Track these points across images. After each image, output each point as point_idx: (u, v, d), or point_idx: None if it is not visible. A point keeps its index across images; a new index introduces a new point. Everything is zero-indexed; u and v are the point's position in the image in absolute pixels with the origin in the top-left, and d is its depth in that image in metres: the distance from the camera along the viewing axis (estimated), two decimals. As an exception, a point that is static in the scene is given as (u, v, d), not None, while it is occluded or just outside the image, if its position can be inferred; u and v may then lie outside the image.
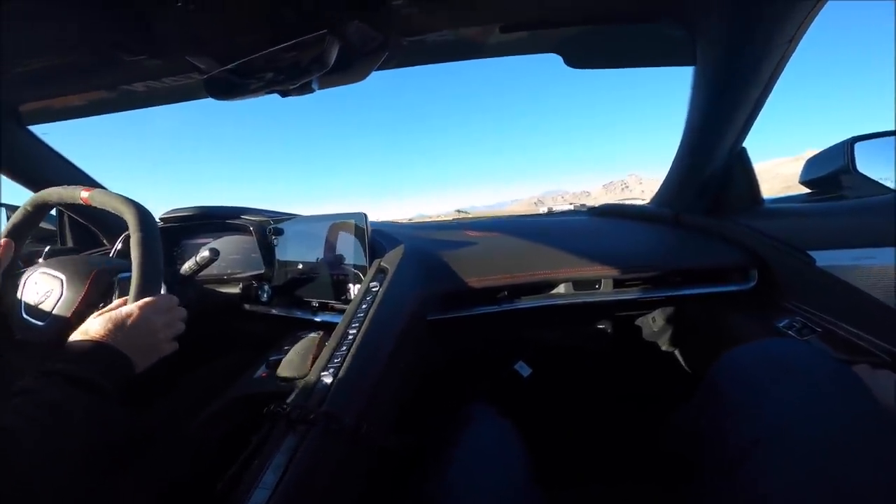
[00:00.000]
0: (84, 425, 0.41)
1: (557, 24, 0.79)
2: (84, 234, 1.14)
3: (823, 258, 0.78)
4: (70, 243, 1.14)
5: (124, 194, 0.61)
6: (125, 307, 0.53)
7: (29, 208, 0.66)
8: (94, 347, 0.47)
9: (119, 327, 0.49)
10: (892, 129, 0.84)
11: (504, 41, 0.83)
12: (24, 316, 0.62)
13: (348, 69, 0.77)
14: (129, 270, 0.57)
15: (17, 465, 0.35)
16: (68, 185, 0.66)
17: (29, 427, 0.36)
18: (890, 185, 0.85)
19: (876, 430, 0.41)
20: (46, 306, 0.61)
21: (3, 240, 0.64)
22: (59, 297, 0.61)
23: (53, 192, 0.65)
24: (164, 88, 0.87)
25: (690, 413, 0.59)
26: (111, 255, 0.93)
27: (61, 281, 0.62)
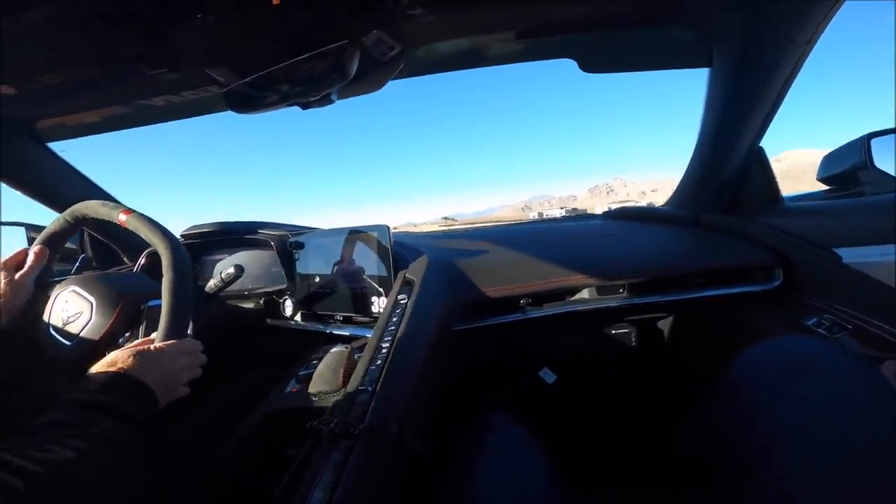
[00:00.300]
0: (126, 454, 0.41)
1: (573, 30, 0.79)
2: (105, 251, 1.15)
3: (848, 255, 0.77)
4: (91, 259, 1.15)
5: (159, 222, 0.61)
6: (154, 344, 0.54)
7: (68, 219, 0.67)
8: (125, 380, 0.48)
9: (148, 363, 0.51)
10: None
11: (520, 47, 0.83)
12: (52, 332, 0.62)
13: (366, 79, 0.77)
14: (157, 295, 0.58)
15: (78, 498, 0.35)
16: (87, 200, 0.67)
17: (79, 458, 0.36)
18: None
19: None
20: (74, 327, 0.62)
21: (37, 247, 0.65)
22: (88, 321, 0.62)
23: (91, 207, 0.65)
24: (183, 102, 0.88)
25: (710, 414, 0.58)
26: (136, 269, 0.95)
27: (91, 305, 0.63)
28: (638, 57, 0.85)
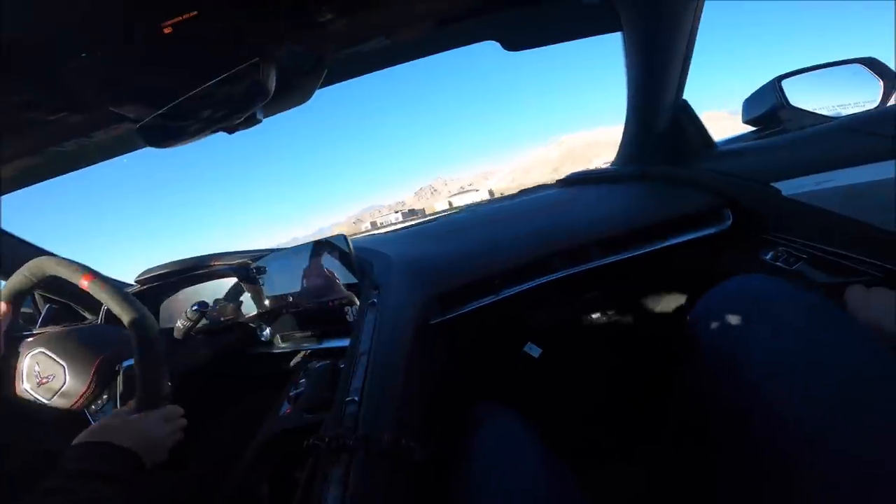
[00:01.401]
0: None
1: (487, 11, 0.79)
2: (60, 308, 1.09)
3: (787, 188, 0.80)
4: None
5: (122, 290, 0.62)
6: (137, 415, 0.58)
7: (27, 275, 0.66)
8: (111, 449, 0.52)
9: (131, 432, 0.55)
10: (812, 65, 0.90)
11: (442, 36, 0.82)
12: (27, 388, 0.63)
13: (291, 92, 0.75)
14: (129, 351, 0.60)
15: None
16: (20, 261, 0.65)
17: None
18: (826, 113, 0.90)
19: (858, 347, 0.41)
20: (51, 387, 0.63)
21: (2, 304, 0.65)
22: (64, 383, 0.63)
23: (50, 264, 0.65)
24: (97, 143, 0.82)
25: (688, 371, 0.57)
26: (100, 321, 0.93)
27: (63, 367, 0.64)
28: (554, 30, 0.86)
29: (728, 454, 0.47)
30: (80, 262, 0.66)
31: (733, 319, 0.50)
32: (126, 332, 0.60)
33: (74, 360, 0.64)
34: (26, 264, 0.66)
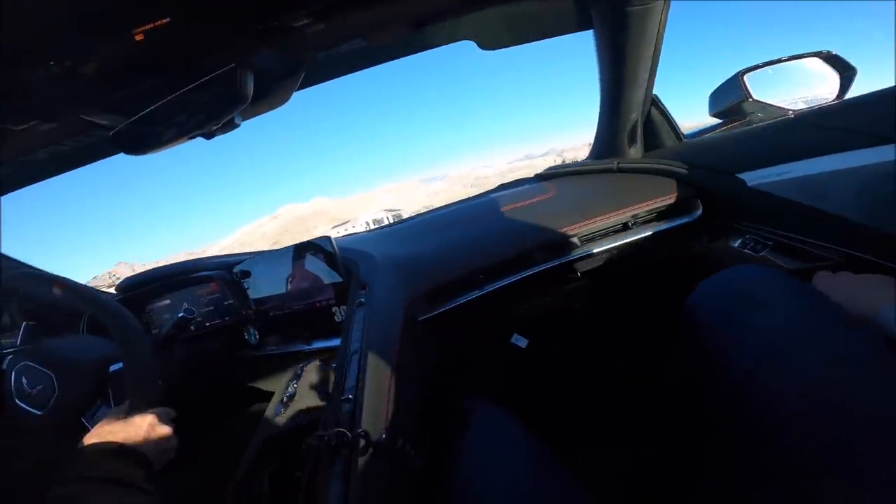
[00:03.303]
0: None
1: (463, 10, 0.80)
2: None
3: (750, 178, 0.84)
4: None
5: (94, 290, 0.62)
6: (138, 417, 0.57)
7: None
8: (120, 450, 0.51)
9: (138, 430, 0.54)
10: (772, 59, 0.94)
11: (419, 37, 0.83)
12: (18, 402, 0.61)
13: (267, 96, 0.74)
14: (115, 356, 0.60)
15: None
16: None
17: None
18: (787, 106, 0.95)
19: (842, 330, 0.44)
20: (41, 398, 0.61)
21: None
22: (54, 393, 0.62)
23: (20, 280, 0.65)
24: (69, 150, 0.80)
25: (681, 358, 0.60)
26: (81, 329, 0.91)
27: (51, 377, 0.62)
28: (529, 29, 0.88)
29: (721, 435, 0.49)
30: (48, 272, 0.65)
31: (729, 306, 0.53)
32: (108, 340, 0.59)
33: (61, 369, 0.63)
34: None
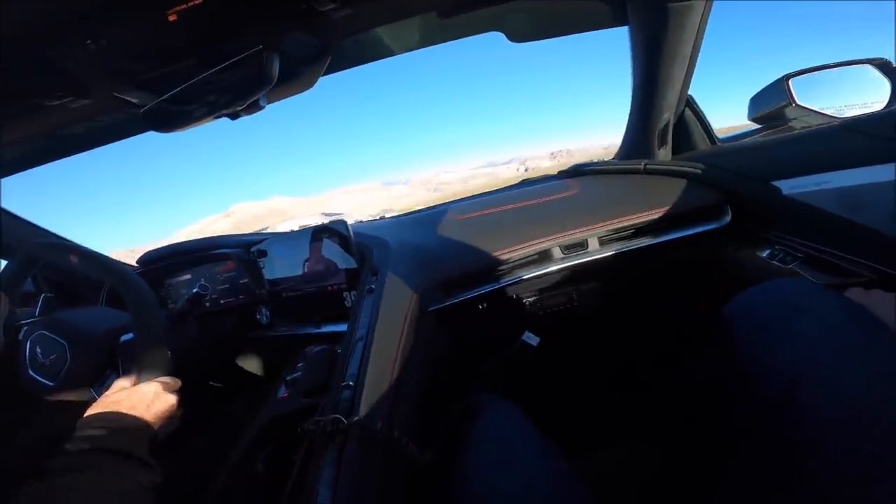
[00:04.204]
0: (139, 497, 0.44)
1: (494, 1, 0.78)
2: (64, 288, 1.11)
3: (786, 187, 0.80)
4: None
5: (110, 259, 0.62)
6: (139, 384, 0.56)
7: (21, 262, 0.66)
8: (124, 420, 0.50)
9: (141, 398, 0.54)
10: (820, 64, 0.88)
11: (447, 26, 0.82)
12: (31, 373, 0.63)
13: (294, 79, 0.75)
14: (128, 328, 0.60)
15: None
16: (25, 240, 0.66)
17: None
18: (832, 113, 0.89)
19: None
20: (53, 368, 0.63)
21: None
22: (66, 363, 0.62)
23: (38, 249, 0.65)
24: (105, 126, 0.83)
25: (712, 361, 0.58)
26: (101, 300, 0.93)
27: (64, 346, 0.63)
28: (560, 22, 0.85)
29: (748, 444, 0.47)
30: (66, 239, 0.66)
31: (769, 318, 0.51)
32: (123, 313, 0.60)
33: (75, 338, 0.63)
34: (19, 253, 0.66)
